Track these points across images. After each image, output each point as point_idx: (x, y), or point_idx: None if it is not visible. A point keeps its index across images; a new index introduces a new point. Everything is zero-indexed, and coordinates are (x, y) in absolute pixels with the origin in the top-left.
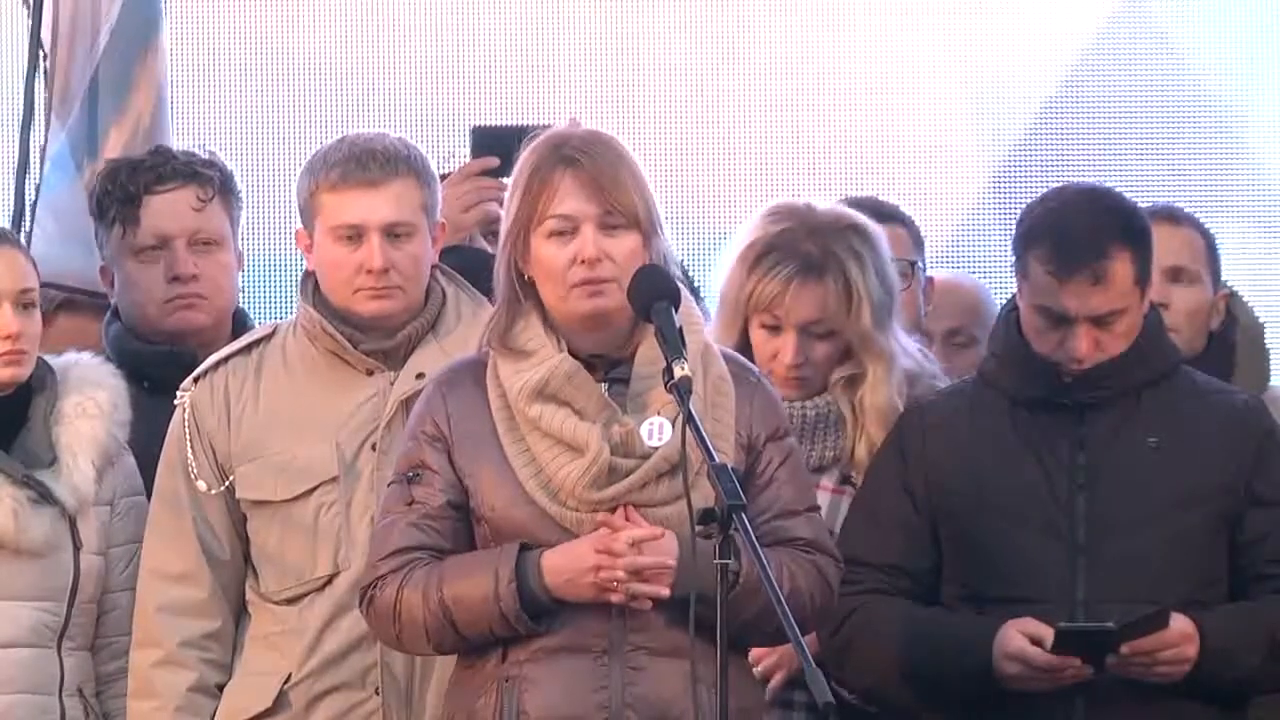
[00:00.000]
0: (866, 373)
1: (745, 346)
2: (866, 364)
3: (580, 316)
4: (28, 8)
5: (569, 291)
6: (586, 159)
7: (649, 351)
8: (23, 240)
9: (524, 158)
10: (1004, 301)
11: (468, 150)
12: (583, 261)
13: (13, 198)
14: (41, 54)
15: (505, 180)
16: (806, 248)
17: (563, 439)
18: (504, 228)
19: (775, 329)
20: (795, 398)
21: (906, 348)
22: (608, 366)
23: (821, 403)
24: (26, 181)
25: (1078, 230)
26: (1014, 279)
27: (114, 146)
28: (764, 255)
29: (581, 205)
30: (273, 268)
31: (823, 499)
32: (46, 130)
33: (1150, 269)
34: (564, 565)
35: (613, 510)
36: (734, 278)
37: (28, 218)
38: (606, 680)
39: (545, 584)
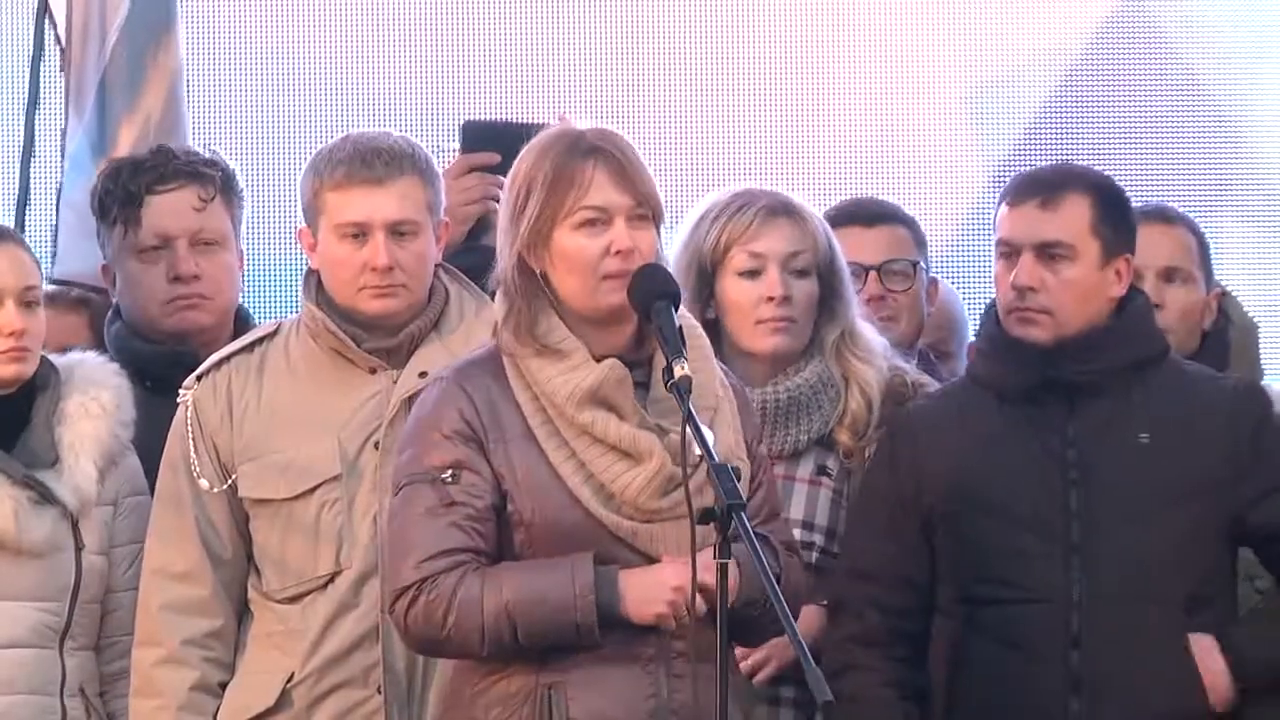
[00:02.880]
0: (853, 327)
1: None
2: (843, 312)
3: (605, 310)
4: None
5: (599, 283)
6: (614, 150)
7: None
8: (28, 232)
9: (534, 157)
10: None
11: (458, 145)
12: (618, 252)
13: (18, 185)
14: (58, 47)
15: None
16: (766, 199)
17: (620, 446)
18: (517, 225)
19: (754, 272)
20: (783, 347)
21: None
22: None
23: (792, 385)
24: (31, 167)
25: (1044, 171)
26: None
27: (125, 144)
28: (726, 204)
29: (615, 197)
30: (274, 267)
31: (799, 491)
32: (65, 126)
33: (1117, 241)
34: (645, 588)
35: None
36: (694, 238)
37: (32, 207)
38: (655, 688)
39: (620, 600)
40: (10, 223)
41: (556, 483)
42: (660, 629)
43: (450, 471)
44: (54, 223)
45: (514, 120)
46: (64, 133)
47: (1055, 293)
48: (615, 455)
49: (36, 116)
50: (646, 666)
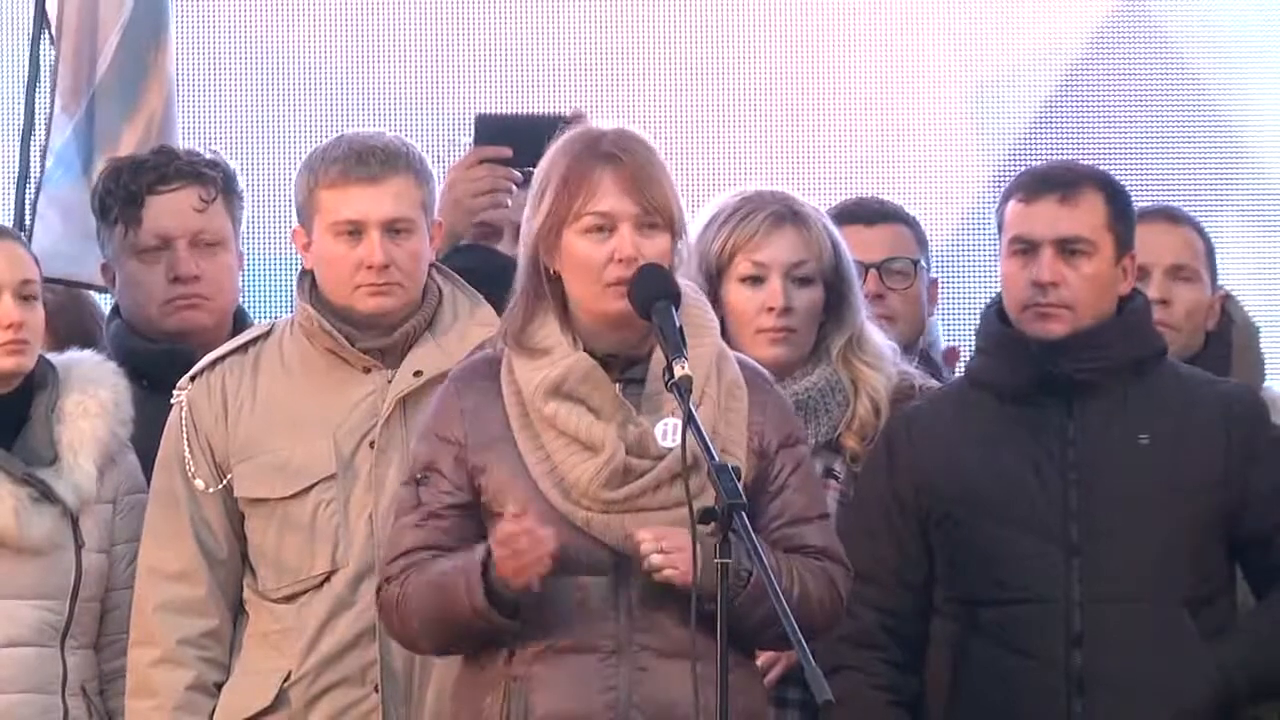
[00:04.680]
0: (861, 332)
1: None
2: (850, 319)
3: (611, 315)
4: None
5: (603, 290)
6: (627, 157)
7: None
8: (26, 211)
9: (554, 154)
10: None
11: (470, 139)
12: (620, 260)
13: (18, 163)
14: (48, 42)
15: (516, 171)
16: (774, 205)
17: (578, 437)
18: (532, 223)
19: (757, 280)
20: (783, 357)
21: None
22: (623, 366)
23: (799, 389)
24: (31, 147)
25: (1054, 167)
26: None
27: (127, 144)
28: (734, 210)
29: (621, 204)
30: (269, 267)
31: None
32: (49, 126)
33: (1126, 237)
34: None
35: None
36: (700, 242)
37: (31, 185)
38: (614, 680)
39: (501, 573)
40: (9, 200)
41: (524, 476)
42: (621, 616)
43: (423, 474)
44: (29, 220)
45: (527, 114)
46: (48, 125)
47: (1076, 288)
48: (576, 446)
49: (36, 96)
50: (606, 659)
